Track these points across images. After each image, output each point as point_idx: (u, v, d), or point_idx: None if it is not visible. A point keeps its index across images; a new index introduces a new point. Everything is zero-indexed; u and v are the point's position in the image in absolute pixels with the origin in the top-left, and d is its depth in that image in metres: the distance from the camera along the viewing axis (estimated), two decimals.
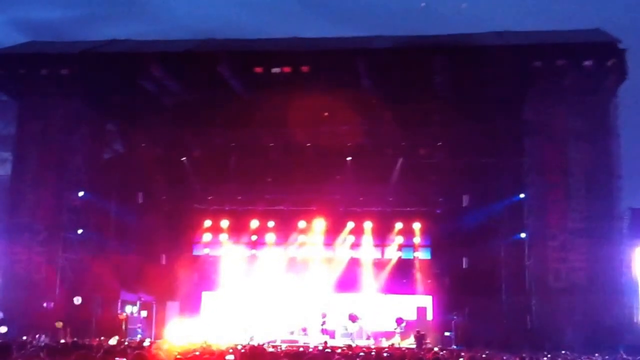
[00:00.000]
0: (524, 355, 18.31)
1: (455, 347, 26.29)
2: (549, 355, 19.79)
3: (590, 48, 27.75)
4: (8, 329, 26.49)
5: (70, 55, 30.24)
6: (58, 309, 28.35)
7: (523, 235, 28.37)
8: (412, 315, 29.93)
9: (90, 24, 47.56)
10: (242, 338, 26.91)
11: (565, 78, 27.57)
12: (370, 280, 31.54)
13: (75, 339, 19.82)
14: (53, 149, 30.22)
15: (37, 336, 25.12)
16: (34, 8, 49.19)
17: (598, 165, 27.66)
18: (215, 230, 33.15)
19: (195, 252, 33.23)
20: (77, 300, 28.21)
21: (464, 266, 30.63)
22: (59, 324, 27.25)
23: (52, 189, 30.12)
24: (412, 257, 32.12)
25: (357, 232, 32.40)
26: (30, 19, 48.29)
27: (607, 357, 19.91)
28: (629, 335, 25.33)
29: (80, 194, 30.58)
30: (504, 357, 18.43)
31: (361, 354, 16.50)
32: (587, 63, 27.50)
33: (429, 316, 30.24)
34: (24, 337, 23.95)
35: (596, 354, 20.29)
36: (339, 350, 17.26)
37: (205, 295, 32.25)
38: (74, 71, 29.68)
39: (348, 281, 31.60)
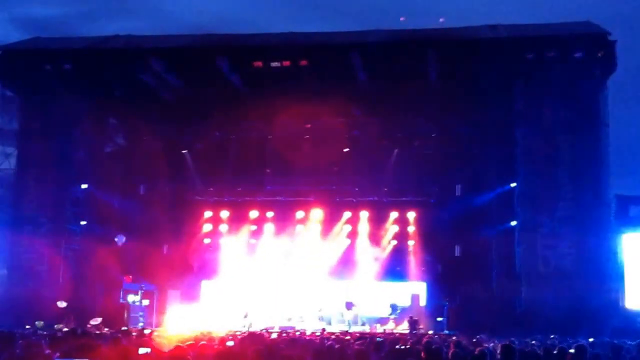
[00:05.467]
0: (512, 339, 18.88)
1: (447, 332, 26.98)
2: (535, 340, 20.30)
3: (580, 40, 28.45)
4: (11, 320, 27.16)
5: (73, 51, 30.91)
6: (62, 299, 29.03)
7: (513, 223, 29.05)
8: (406, 302, 30.69)
9: (90, 21, 48.12)
10: (241, 325, 27.66)
11: (555, 69, 28.19)
12: (366, 268, 32.23)
13: (76, 328, 20.41)
14: (56, 143, 30.81)
15: (35, 323, 25.86)
16: (35, 5, 49.68)
17: (586, 154, 28.29)
18: (215, 220, 33.83)
19: (196, 242, 33.82)
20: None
21: (456, 254, 31.45)
22: (62, 304, 27.98)
23: (55, 182, 30.74)
24: (406, 246, 32.80)
25: (354, 221, 33.08)
26: (32, 16, 48.78)
27: (594, 340, 20.45)
28: (615, 319, 25.97)
29: (83, 186, 31.25)
30: (493, 342, 18.96)
31: (357, 340, 17.16)
32: (577, 55, 28.20)
33: (423, 302, 30.94)
34: (27, 327, 24.61)
35: (584, 338, 20.86)
36: (334, 338, 17.78)
37: (206, 283, 32.96)
38: (77, 66, 30.37)
39: (344, 269, 32.33)
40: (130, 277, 30.66)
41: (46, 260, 29.97)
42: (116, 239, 31.15)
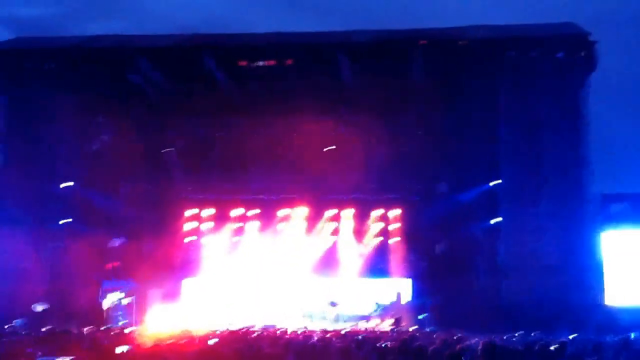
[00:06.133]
0: (494, 336, 18.97)
1: (430, 329, 27.08)
2: (517, 337, 20.41)
3: (561, 40, 28.93)
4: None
5: (58, 50, 30.83)
6: (43, 297, 28.91)
7: (497, 220, 29.18)
8: (389, 299, 30.75)
9: (76, 21, 47.87)
10: (223, 323, 27.63)
11: (538, 69, 28.53)
12: (349, 266, 32.32)
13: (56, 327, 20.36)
14: (39, 141, 30.66)
15: (14, 321, 25.72)
16: (20, 5, 49.41)
17: (569, 152, 28.56)
18: (199, 218, 33.80)
19: (179, 240, 33.71)
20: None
21: (440, 251, 31.51)
22: (40, 307, 27.88)
23: (38, 180, 30.55)
24: (390, 243, 32.86)
25: (337, 219, 33.13)
26: (16, 16, 48.50)
27: (575, 336, 20.59)
28: (597, 316, 26.21)
29: (66, 184, 31.09)
30: (476, 338, 19.05)
31: (339, 337, 17.19)
32: (559, 55, 28.53)
33: (406, 300, 31.05)
34: (6, 327, 24.50)
35: (566, 334, 20.98)
36: (316, 336, 17.79)
37: (188, 282, 32.87)
38: (62, 66, 30.30)
39: (328, 267, 32.37)
40: (113, 265, 30.69)
41: (28, 259, 29.73)
42: (112, 242, 31.14)
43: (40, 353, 11.45)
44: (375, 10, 45.48)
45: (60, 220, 30.80)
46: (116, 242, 31.20)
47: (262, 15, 47.03)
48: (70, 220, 31.16)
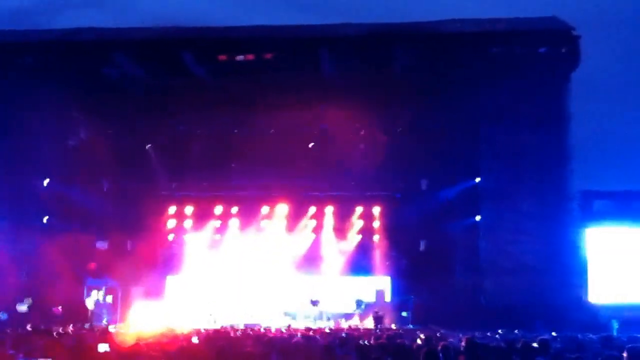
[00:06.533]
0: (475, 333, 18.99)
1: (411, 326, 27.09)
2: (499, 335, 20.44)
3: (545, 35, 28.78)
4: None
5: (35, 44, 30.48)
6: (24, 295, 28.70)
7: (478, 218, 29.20)
8: (371, 297, 30.74)
9: (54, 13, 47.49)
10: (205, 322, 27.53)
11: (520, 64, 28.44)
12: (331, 263, 32.28)
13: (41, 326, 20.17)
14: (17, 137, 30.35)
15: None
16: None
17: (550, 149, 28.59)
18: (180, 216, 33.66)
19: (160, 238, 33.52)
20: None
21: (421, 248, 31.57)
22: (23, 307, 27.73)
23: (16, 177, 30.27)
24: (371, 240, 32.88)
25: (319, 216, 33.09)
26: None
27: (557, 334, 20.65)
28: (578, 314, 26.27)
29: (45, 181, 30.84)
30: (457, 336, 19.07)
31: (322, 335, 17.15)
32: (541, 50, 28.46)
33: (387, 298, 31.02)
34: None
35: (547, 332, 21.03)
36: (299, 334, 17.74)
37: (170, 280, 32.72)
38: (39, 60, 29.97)
39: (310, 264, 32.31)
40: (94, 264, 30.53)
41: (6, 256, 29.46)
42: (98, 245, 31.00)
43: (21, 355, 11.29)
44: (357, 3, 45.43)
45: (39, 217, 30.51)
46: (103, 245, 31.02)
47: (245, 9, 46.96)
48: (50, 218, 30.89)
